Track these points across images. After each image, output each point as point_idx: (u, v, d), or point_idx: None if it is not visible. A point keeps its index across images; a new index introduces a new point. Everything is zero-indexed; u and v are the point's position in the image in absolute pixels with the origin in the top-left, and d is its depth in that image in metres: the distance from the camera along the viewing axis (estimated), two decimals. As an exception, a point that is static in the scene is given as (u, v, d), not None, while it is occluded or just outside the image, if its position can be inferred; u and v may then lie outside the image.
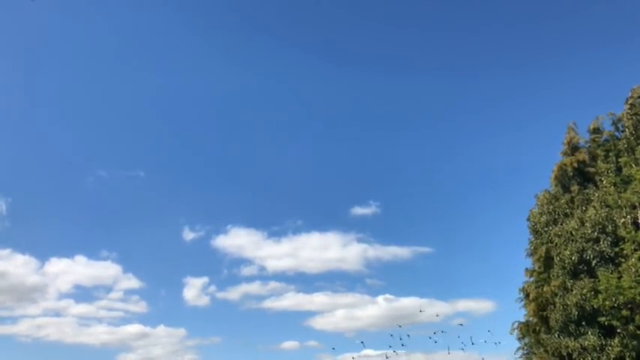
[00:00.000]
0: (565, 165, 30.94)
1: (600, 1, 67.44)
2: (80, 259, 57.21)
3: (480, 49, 72.27)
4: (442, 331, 31.43)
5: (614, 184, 28.35)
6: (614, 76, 60.62)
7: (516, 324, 31.75)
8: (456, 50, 72.55)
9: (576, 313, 26.67)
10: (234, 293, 57.40)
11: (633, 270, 24.58)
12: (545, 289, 29.12)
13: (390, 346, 29.78)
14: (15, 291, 54.58)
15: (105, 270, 56.64)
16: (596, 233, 27.34)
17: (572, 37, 69.06)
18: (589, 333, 26.44)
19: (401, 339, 29.89)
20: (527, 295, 30.87)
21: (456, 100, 71.52)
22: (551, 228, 29.99)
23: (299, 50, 74.80)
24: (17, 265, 55.44)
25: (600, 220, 27.38)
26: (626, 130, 29.55)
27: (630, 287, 23.97)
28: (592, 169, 30.38)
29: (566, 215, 29.86)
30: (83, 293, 57.41)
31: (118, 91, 71.26)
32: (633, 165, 27.40)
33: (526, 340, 31.33)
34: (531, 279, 31.21)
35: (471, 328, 52.52)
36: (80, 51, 70.06)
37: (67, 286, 55.32)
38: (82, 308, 55.21)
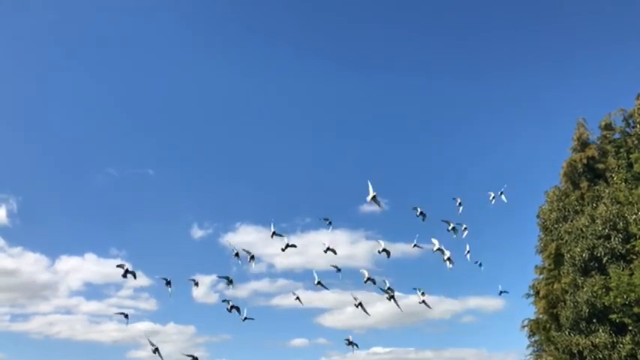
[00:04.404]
0: (575, 161, 30.66)
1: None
2: (90, 256, 57.52)
3: (488, 45, 71.80)
4: None
5: (625, 181, 28.14)
6: (624, 72, 59.97)
7: (526, 321, 31.71)
8: (464, 46, 72.12)
9: (587, 310, 26.50)
10: (243, 291, 57.41)
11: (645, 267, 24.42)
12: (555, 286, 28.99)
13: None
14: (26, 289, 55.02)
15: (114, 268, 56.80)
16: (607, 230, 27.13)
17: (581, 33, 68.43)
18: (600, 330, 26.26)
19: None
20: (537, 293, 30.76)
21: (463, 98, 71.15)
22: (561, 225, 29.82)
23: (307, 49, 74.70)
24: (28, 263, 55.82)
25: (611, 216, 27.15)
26: (637, 125, 29.31)
27: (642, 284, 23.82)
28: (602, 166, 30.11)
29: (576, 212, 29.68)
30: (93, 291, 57.75)
31: (126, 90, 71.50)
32: (645, 161, 27.18)
33: (536, 337, 31.25)
34: (541, 276, 31.08)
35: (481, 326, 52.45)
36: (88, 50, 70.32)
37: (78, 284, 55.67)
38: (93, 306, 55.53)
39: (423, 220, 19.01)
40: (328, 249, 18.59)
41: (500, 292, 23.29)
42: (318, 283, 18.71)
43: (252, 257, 18.51)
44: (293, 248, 18.70)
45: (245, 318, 18.67)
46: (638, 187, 26.63)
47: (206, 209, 64.26)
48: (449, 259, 18.91)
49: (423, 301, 19.16)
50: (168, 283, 18.63)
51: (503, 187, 22.02)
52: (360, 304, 18.13)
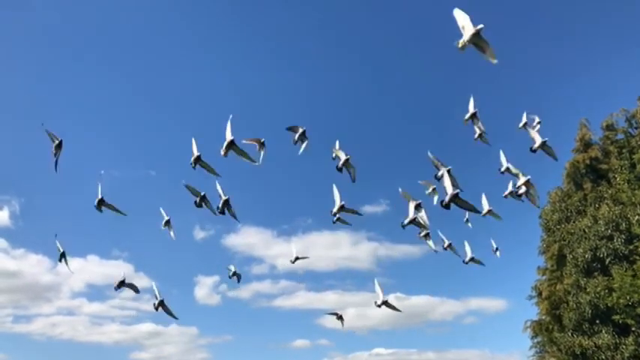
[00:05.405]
0: (577, 162, 30.59)
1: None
2: (92, 258, 57.72)
3: (490, 41, 71.76)
4: None
5: (628, 181, 28.08)
6: (626, 73, 59.83)
7: (529, 322, 31.63)
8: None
9: (590, 311, 26.44)
10: (245, 292, 57.40)
11: (648, 268, 24.37)
12: (558, 287, 28.92)
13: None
14: (29, 290, 55.28)
15: (117, 269, 56.94)
16: (609, 231, 27.06)
17: (582, 33, 68.41)
18: (603, 331, 26.20)
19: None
20: (539, 294, 30.68)
21: (466, 96, 71.10)
22: (563, 226, 29.74)
23: (309, 50, 74.81)
24: (31, 265, 56.06)
25: (614, 217, 27.08)
26: (640, 126, 29.28)
27: (645, 285, 23.77)
28: (605, 166, 30.04)
29: (578, 213, 29.61)
30: (96, 292, 57.80)
31: (127, 90, 71.74)
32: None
33: (539, 338, 31.17)
34: (544, 277, 31.01)
35: (483, 327, 52.31)
36: (89, 50, 70.58)
37: (80, 285, 55.76)
38: (95, 307, 55.69)
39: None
40: (297, 258, 18.63)
41: (496, 249, 21.69)
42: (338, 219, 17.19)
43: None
44: (296, 250, 18.62)
45: (234, 273, 18.85)
46: (641, 188, 26.58)
47: (208, 210, 64.25)
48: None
49: (449, 245, 18.24)
50: (167, 223, 18.11)
51: (537, 120, 16.40)
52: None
